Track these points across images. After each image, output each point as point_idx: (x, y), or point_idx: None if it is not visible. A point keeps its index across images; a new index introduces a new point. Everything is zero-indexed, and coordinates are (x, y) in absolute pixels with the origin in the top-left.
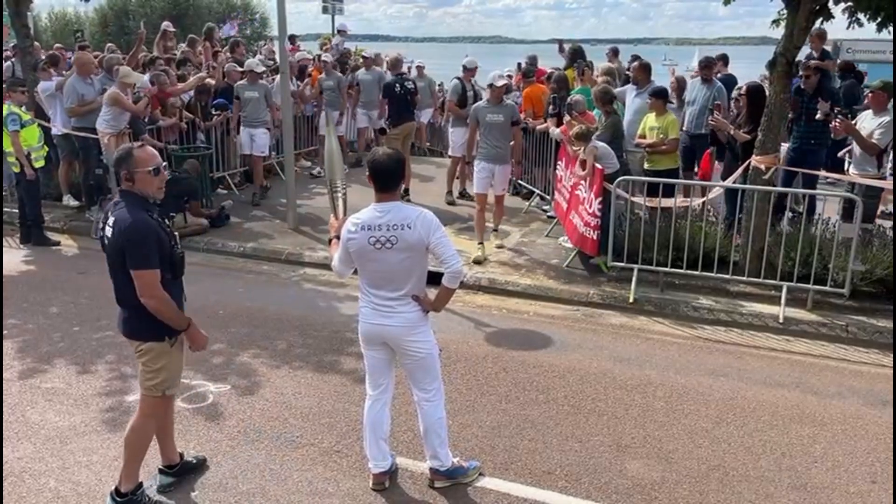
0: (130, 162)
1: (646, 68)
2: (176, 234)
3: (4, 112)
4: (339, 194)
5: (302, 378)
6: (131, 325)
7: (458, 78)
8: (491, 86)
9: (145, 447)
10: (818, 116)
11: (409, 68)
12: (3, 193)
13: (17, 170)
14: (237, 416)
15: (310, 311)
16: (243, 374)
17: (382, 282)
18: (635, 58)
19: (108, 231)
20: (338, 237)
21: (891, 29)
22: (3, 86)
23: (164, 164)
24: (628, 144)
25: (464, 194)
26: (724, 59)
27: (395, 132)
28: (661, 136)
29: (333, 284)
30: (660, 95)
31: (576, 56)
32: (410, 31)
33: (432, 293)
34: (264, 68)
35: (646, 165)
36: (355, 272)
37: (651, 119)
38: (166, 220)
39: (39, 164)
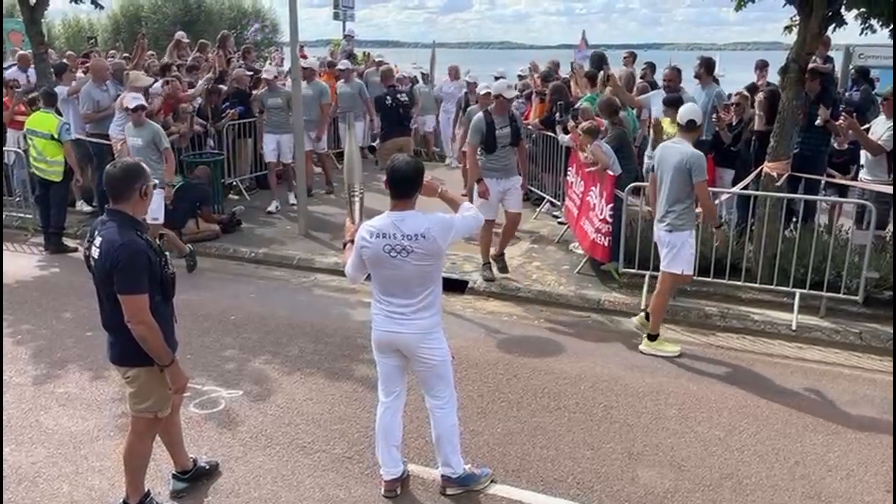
0: (146, 176)
1: (677, 73)
2: (167, 253)
3: (58, 123)
4: (356, 199)
5: (314, 384)
6: (119, 350)
7: (485, 111)
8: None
9: (145, 464)
10: (818, 122)
11: (419, 76)
12: (17, 199)
13: (57, 179)
14: (249, 421)
15: (321, 316)
16: (255, 380)
17: (396, 289)
18: (649, 64)
19: (95, 252)
20: (352, 242)
21: None
22: (39, 99)
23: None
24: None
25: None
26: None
27: (385, 146)
28: None
29: (345, 290)
30: (672, 104)
31: (599, 63)
32: (420, 37)
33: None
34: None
35: None
36: (368, 278)
37: (666, 124)
38: (155, 241)
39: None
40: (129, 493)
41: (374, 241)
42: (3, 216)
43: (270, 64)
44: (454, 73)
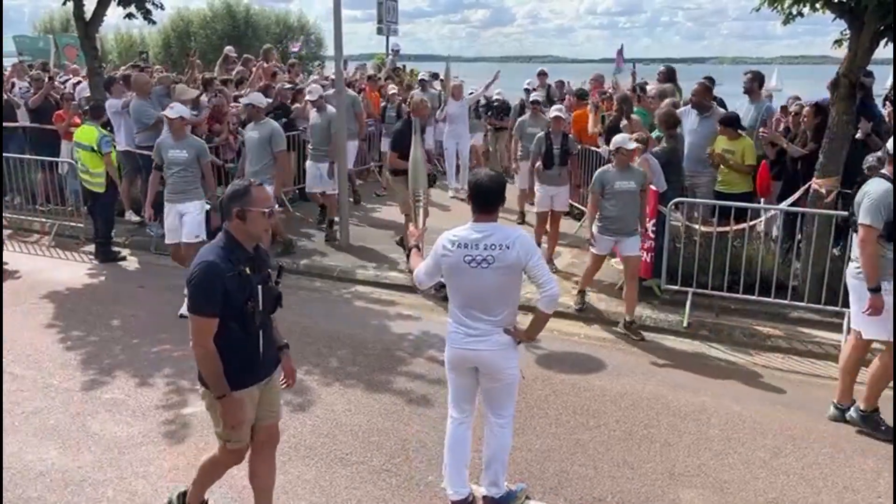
0: (247, 199)
1: (708, 91)
2: (259, 287)
3: (97, 135)
4: (420, 204)
5: (352, 396)
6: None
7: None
8: None
9: (212, 480)
10: (858, 135)
11: (427, 77)
12: (69, 209)
13: (100, 190)
14: (289, 431)
15: (361, 328)
16: (295, 390)
17: (475, 304)
18: (709, 79)
19: None
20: (417, 247)
21: None
22: (86, 111)
23: (276, 207)
24: (695, 166)
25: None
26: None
27: (389, 176)
28: (740, 160)
29: (384, 303)
30: (729, 123)
31: (668, 77)
32: (462, 51)
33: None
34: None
35: (718, 187)
36: (441, 288)
37: (723, 142)
38: (245, 269)
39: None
40: (191, 495)
41: (455, 251)
42: (56, 225)
43: (316, 76)
44: (458, 93)
